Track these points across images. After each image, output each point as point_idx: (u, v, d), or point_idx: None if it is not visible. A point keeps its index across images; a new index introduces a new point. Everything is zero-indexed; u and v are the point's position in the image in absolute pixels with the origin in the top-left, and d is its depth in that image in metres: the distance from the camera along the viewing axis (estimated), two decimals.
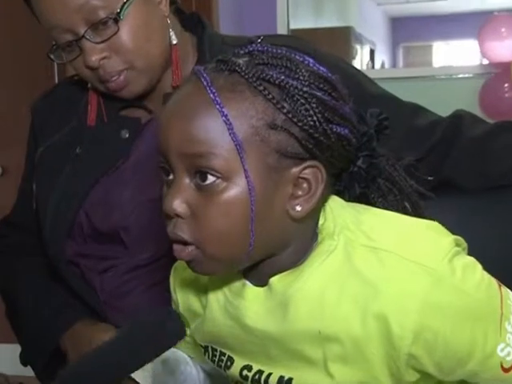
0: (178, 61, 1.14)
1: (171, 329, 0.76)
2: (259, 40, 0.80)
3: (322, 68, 0.77)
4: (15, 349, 1.27)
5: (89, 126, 1.20)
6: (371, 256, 0.75)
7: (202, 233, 0.74)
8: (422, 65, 4.27)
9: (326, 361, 0.76)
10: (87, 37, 1.07)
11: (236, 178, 0.72)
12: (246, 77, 0.72)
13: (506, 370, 0.75)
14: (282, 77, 0.73)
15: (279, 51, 0.76)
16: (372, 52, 4.06)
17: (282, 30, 3.03)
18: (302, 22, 3.26)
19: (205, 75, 0.74)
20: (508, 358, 0.75)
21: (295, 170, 0.74)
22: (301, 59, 0.76)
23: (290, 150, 0.73)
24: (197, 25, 1.21)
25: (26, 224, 1.30)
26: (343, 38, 3.46)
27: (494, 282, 0.77)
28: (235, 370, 0.84)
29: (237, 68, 0.73)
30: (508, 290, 0.78)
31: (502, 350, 0.74)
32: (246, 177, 0.72)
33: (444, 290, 0.72)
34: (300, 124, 0.72)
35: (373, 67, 3.94)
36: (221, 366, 0.86)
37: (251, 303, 0.80)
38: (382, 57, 4.35)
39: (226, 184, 0.72)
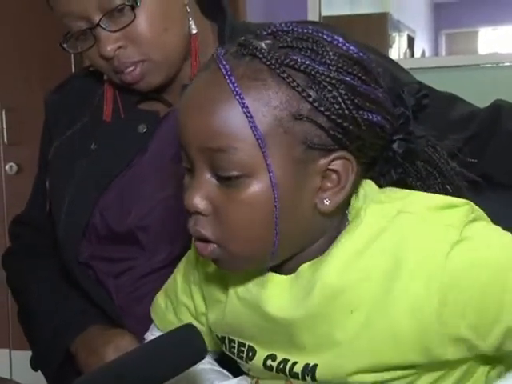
0: (197, 51, 1.15)
1: (192, 347, 0.77)
2: None
3: (352, 47, 0.76)
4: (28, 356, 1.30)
5: (104, 121, 1.21)
6: (395, 220, 0.75)
7: (223, 231, 0.75)
8: (466, 53, 4.22)
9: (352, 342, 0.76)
10: (102, 25, 1.07)
11: (259, 174, 0.73)
12: (269, 63, 0.72)
13: None
14: (308, 61, 0.72)
15: (305, 30, 0.75)
16: (411, 40, 4.03)
17: (313, 17, 3.02)
18: (336, 8, 3.25)
19: (224, 62, 0.74)
20: None
21: (323, 161, 0.74)
22: (329, 39, 0.75)
23: (317, 141, 0.73)
24: (219, 12, 1.21)
25: (39, 223, 1.32)
26: (380, 25, 3.43)
27: None
28: (258, 360, 0.85)
29: (258, 53, 0.73)
30: None
31: None
32: (269, 172, 0.72)
33: (468, 246, 0.72)
34: (327, 113, 0.72)
35: (412, 56, 3.91)
36: (242, 358, 0.87)
37: (273, 291, 0.80)
38: (422, 45, 4.32)
39: (249, 180, 0.73)
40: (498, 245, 0.75)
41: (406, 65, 1.26)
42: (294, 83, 0.72)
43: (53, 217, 1.23)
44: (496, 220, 0.79)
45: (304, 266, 0.79)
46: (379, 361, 0.76)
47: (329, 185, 0.75)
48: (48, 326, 1.22)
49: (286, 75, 0.72)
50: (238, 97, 0.72)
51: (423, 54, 4.25)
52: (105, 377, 0.75)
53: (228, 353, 0.89)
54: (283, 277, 0.81)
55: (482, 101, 1.21)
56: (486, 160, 1.13)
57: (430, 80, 1.22)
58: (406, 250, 0.74)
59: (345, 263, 0.76)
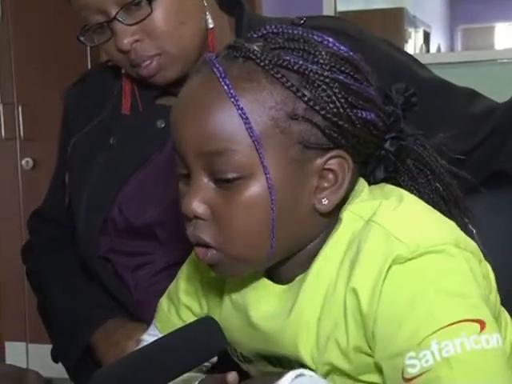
0: (214, 45, 1.15)
1: (213, 338, 0.77)
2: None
3: (342, 47, 0.76)
4: (48, 349, 1.31)
5: (123, 115, 1.22)
6: (363, 229, 0.74)
7: (222, 234, 0.75)
8: (482, 48, 4.19)
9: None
10: (119, 18, 1.08)
11: (257, 175, 0.73)
12: (262, 64, 0.72)
13: (406, 380, 0.69)
14: (301, 61, 0.73)
15: (295, 32, 0.75)
16: (427, 35, 4.02)
17: (328, 12, 3.00)
18: (351, 3, 3.24)
19: (217, 65, 0.73)
20: (410, 370, 0.68)
21: (320, 161, 0.74)
22: (319, 39, 0.75)
23: (313, 140, 0.73)
24: (235, 6, 1.22)
25: (57, 218, 1.33)
26: (395, 20, 3.43)
27: (470, 306, 0.70)
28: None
29: (251, 55, 0.73)
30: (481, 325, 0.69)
31: (410, 358, 0.68)
32: (266, 173, 0.72)
33: (403, 268, 0.71)
34: (322, 112, 0.72)
35: (427, 51, 3.90)
36: (241, 361, 0.87)
37: (262, 298, 0.80)
38: (438, 40, 4.30)
39: (247, 182, 0.73)
40: (427, 288, 0.71)
41: (421, 60, 1.25)
42: (289, 83, 0.72)
43: (72, 211, 1.24)
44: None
45: (298, 278, 0.78)
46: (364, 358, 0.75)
47: (326, 184, 0.75)
48: (68, 318, 1.23)
49: (280, 75, 0.72)
50: (232, 99, 0.72)
51: (439, 49, 4.23)
52: (125, 368, 0.75)
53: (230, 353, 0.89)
54: (276, 286, 0.80)
55: (498, 96, 1.20)
56: (505, 155, 1.13)
57: (446, 76, 1.22)
58: (359, 262, 0.73)
59: (319, 271, 0.76)
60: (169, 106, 1.20)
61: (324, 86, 0.72)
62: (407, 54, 1.28)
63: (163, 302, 0.98)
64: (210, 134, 0.73)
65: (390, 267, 0.71)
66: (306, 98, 0.72)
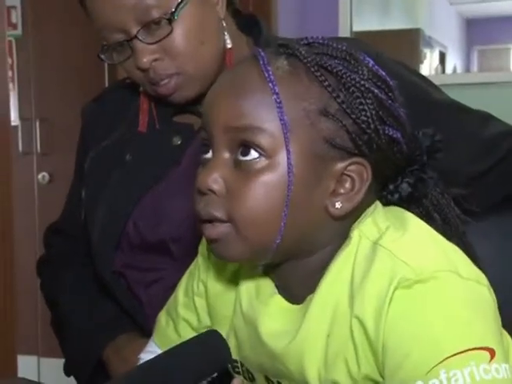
0: (232, 65, 1.15)
1: (218, 352, 0.78)
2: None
3: (381, 71, 0.79)
4: (60, 363, 1.32)
5: (140, 132, 1.23)
6: (369, 252, 0.75)
7: (236, 211, 0.75)
8: (498, 69, 4.19)
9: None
10: (139, 37, 1.09)
11: (279, 158, 0.74)
12: (305, 61, 0.75)
13: None
14: (341, 67, 0.75)
15: (340, 46, 0.78)
16: (443, 56, 4.02)
17: (344, 32, 3.02)
18: (367, 23, 3.25)
19: (262, 54, 0.76)
20: None
21: (341, 164, 0.75)
22: (361, 57, 0.78)
23: (339, 141, 0.74)
24: (254, 27, 1.23)
25: (73, 232, 1.34)
26: (411, 41, 3.44)
27: (480, 337, 0.69)
28: (260, 381, 0.85)
29: (296, 52, 0.76)
30: (486, 355, 0.68)
31: None
32: (288, 158, 0.74)
33: (408, 293, 0.70)
34: (353, 116, 0.74)
35: (443, 72, 3.90)
36: (246, 378, 0.87)
37: (272, 314, 0.80)
38: (453, 61, 4.30)
39: (268, 162, 0.74)
40: (429, 316, 0.70)
41: (437, 81, 1.26)
42: (326, 83, 0.74)
43: (87, 226, 1.25)
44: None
45: (308, 298, 0.78)
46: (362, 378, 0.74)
47: (342, 191, 0.76)
48: (81, 333, 1.24)
49: (319, 74, 0.75)
50: (270, 83, 0.74)
51: (454, 70, 4.23)
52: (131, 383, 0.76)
53: (231, 370, 0.88)
54: (288, 304, 0.81)
55: None
56: None
57: (461, 96, 1.22)
58: (362, 285, 0.73)
59: (328, 289, 0.76)
60: (185, 124, 1.22)
61: (358, 94, 0.75)
62: (422, 76, 1.29)
63: (162, 317, 0.98)
64: (241, 110, 0.74)
65: (395, 290, 0.71)
66: (339, 100, 0.74)
